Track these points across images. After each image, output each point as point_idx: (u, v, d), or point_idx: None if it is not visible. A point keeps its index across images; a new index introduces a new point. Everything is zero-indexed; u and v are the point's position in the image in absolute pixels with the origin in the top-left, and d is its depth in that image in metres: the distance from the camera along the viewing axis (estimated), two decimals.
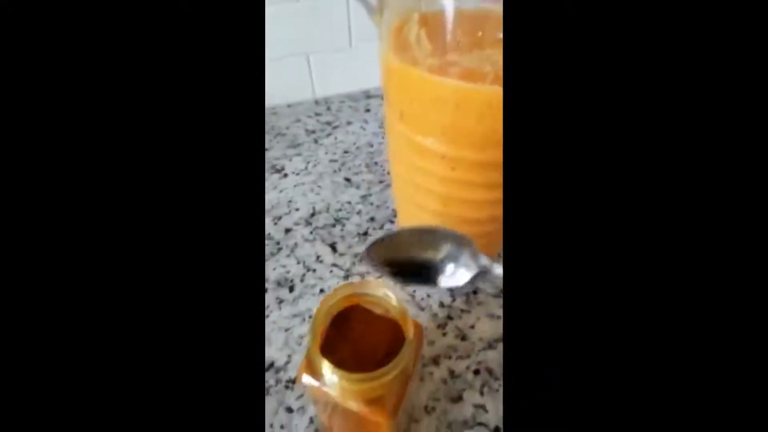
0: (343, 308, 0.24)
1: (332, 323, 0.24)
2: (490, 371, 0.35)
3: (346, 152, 0.57)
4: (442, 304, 0.40)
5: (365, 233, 0.47)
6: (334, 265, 0.43)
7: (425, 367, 0.35)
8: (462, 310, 0.39)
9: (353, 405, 0.21)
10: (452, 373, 0.35)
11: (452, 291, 0.41)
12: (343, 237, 0.46)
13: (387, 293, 0.23)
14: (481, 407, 0.33)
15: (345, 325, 0.24)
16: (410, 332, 0.22)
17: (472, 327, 0.38)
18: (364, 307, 0.25)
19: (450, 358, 0.36)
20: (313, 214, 0.48)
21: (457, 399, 0.33)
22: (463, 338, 0.37)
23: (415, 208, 0.37)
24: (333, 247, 0.45)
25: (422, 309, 0.39)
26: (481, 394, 0.34)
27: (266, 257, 0.44)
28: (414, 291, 0.41)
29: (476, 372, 0.35)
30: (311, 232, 0.47)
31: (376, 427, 0.22)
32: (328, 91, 0.67)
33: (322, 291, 0.41)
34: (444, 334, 0.38)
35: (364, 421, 0.22)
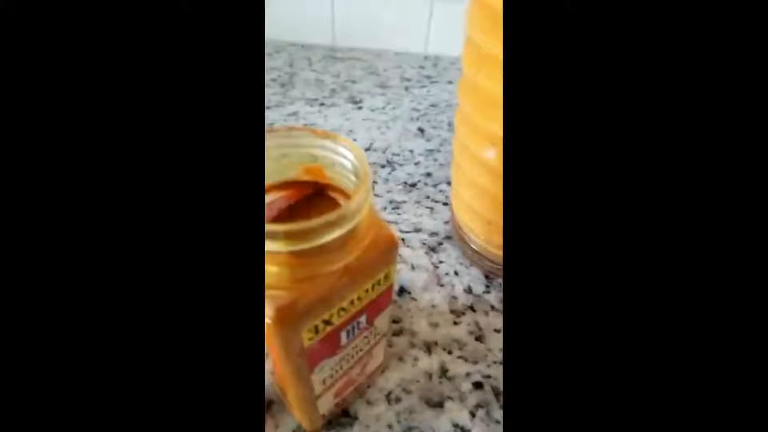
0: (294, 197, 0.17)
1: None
2: (496, 392, 0.24)
3: (432, 105, 0.50)
4: (469, 290, 0.30)
5: (414, 185, 0.39)
6: None
7: (413, 348, 0.26)
8: (492, 307, 0.29)
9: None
10: (444, 371, 0.25)
11: (490, 277, 0.31)
12: (387, 180, 0.39)
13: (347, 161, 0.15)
14: (461, 431, 0.22)
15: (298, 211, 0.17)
16: (360, 195, 0.14)
17: (497, 331, 0.28)
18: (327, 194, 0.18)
19: (450, 353, 0.26)
20: (367, 149, 0.42)
21: (436, 405, 0.24)
22: (479, 338, 0.27)
23: (464, 177, 0.29)
24: (372, 186, 0.38)
25: (441, 285, 0.30)
26: (472, 415, 0.23)
27: None
28: (440, 261, 0.32)
29: (477, 385, 0.25)
30: None
31: (279, 337, 0.14)
32: (441, 50, 0.60)
33: None
34: (455, 323, 0.28)
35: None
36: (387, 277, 0.17)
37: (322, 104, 0.48)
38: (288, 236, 0.13)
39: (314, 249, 0.13)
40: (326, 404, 0.20)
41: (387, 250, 0.16)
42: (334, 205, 0.18)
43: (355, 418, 0.23)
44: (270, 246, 0.13)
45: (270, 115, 0.46)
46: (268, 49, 0.58)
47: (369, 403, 0.24)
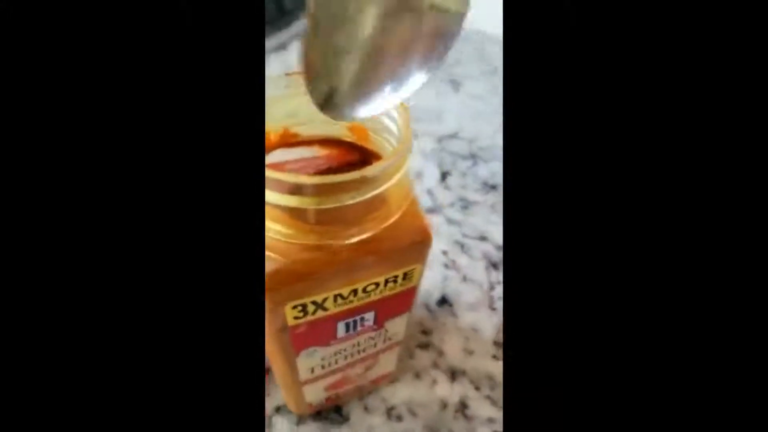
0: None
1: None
2: None
3: None
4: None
5: (494, 186, 0.34)
6: (428, 191, 0.33)
7: (435, 368, 0.22)
8: None
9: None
10: (463, 407, 0.21)
11: None
12: (464, 174, 0.35)
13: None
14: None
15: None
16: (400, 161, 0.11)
17: None
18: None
19: (478, 389, 0.22)
20: (451, 136, 0.38)
21: (461, 409, 0.20)
22: None
23: None
24: (443, 174, 0.35)
25: (492, 309, 0.26)
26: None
27: None
28: (499, 281, 0.27)
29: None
30: (435, 151, 0.37)
31: (269, 304, 0.12)
32: None
33: None
34: (494, 357, 0.23)
35: None
36: (408, 277, 0.13)
37: None
38: (294, 190, 0.10)
39: (321, 213, 0.10)
40: (315, 394, 0.18)
41: (413, 244, 0.12)
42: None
43: (347, 419, 0.20)
44: (272, 198, 0.10)
45: None
46: None
47: (366, 409, 0.21)
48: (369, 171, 0.10)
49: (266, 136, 0.14)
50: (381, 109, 0.11)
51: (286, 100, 0.13)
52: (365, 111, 0.11)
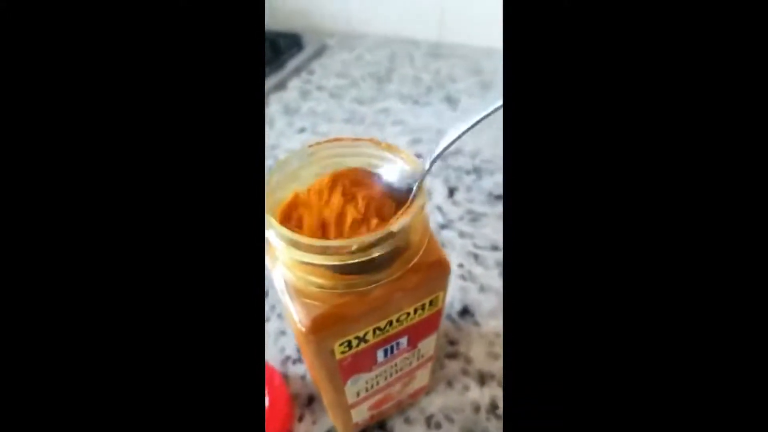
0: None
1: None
2: None
3: None
4: None
5: (500, 197, 0.36)
6: (438, 208, 0.35)
7: (465, 375, 0.24)
8: None
9: (287, 299, 0.14)
10: (494, 408, 0.23)
11: None
12: (470, 188, 0.37)
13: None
14: None
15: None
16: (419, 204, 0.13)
17: None
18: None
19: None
20: (455, 153, 0.40)
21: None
22: None
23: None
24: (451, 190, 0.37)
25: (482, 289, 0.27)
26: None
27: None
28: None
29: None
30: (440, 168, 0.39)
31: (311, 345, 0.14)
32: None
33: None
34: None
35: (298, 335, 0.14)
36: (434, 303, 0.15)
37: (415, 102, 0.47)
38: (327, 251, 0.12)
39: (354, 265, 0.12)
40: (361, 414, 0.20)
41: (436, 275, 0.14)
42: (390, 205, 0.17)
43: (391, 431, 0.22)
44: (310, 259, 0.12)
45: (360, 110, 0.47)
46: (369, 43, 0.59)
47: (407, 421, 0.23)
48: (392, 227, 0.12)
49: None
50: None
51: (311, 166, 0.15)
52: None
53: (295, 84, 0.52)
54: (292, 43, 0.55)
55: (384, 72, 0.53)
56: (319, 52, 0.57)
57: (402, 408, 0.23)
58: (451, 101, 0.48)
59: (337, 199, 0.14)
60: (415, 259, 0.14)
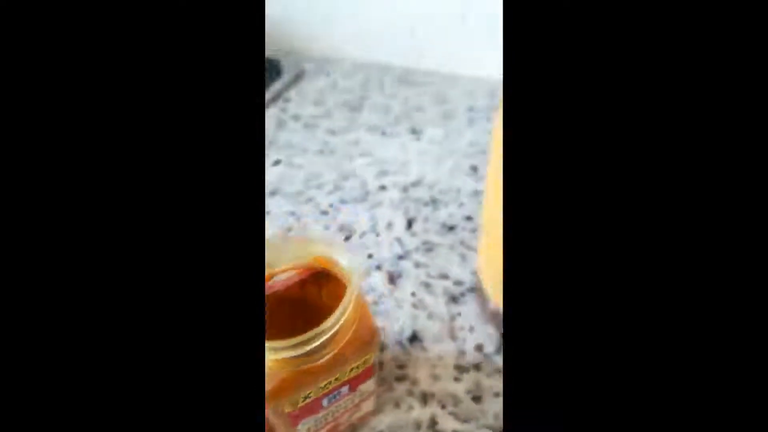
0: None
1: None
2: None
3: None
4: (480, 348, 0.32)
5: (452, 227, 0.40)
6: (397, 240, 0.39)
7: (410, 396, 0.29)
8: (498, 370, 0.30)
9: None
10: (433, 424, 0.28)
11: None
12: (426, 219, 0.41)
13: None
14: None
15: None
16: (348, 307, 0.17)
17: (496, 395, 0.29)
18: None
19: (444, 407, 0.29)
20: (415, 184, 0.45)
21: None
22: (476, 398, 0.29)
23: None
24: (409, 222, 0.41)
25: (453, 338, 0.32)
26: None
27: (354, 200, 0.43)
28: (458, 313, 0.34)
29: None
30: (401, 200, 0.43)
31: (267, 409, 0.18)
32: None
33: (370, 256, 0.38)
34: (456, 379, 0.30)
35: None
36: (367, 361, 0.20)
37: (383, 133, 0.51)
38: (274, 349, 0.17)
39: (297, 355, 0.17)
40: None
41: (366, 342, 0.19)
42: (340, 283, 0.21)
43: None
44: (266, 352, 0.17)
45: (332, 141, 0.50)
46: (346, 68, 0.62)
47: None
48: (324, 326, 0.16)
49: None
50: None
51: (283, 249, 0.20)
52: None
53: (272, 113, 0.55)
54: (271, 68, 0.58)
55: (356, 100, 0.56)
56: (298, 78, 0.60)
57: (354, 429, 0.28)
58: (416, 132, 0.51)
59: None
60: (350, 334, 0.18)
